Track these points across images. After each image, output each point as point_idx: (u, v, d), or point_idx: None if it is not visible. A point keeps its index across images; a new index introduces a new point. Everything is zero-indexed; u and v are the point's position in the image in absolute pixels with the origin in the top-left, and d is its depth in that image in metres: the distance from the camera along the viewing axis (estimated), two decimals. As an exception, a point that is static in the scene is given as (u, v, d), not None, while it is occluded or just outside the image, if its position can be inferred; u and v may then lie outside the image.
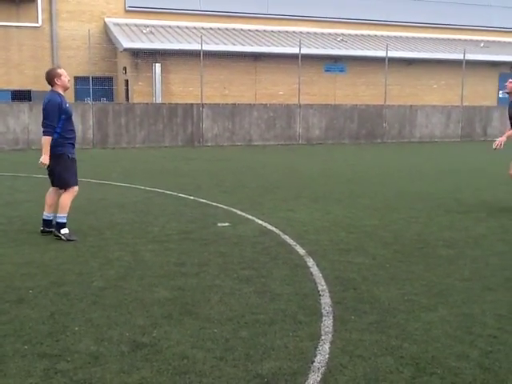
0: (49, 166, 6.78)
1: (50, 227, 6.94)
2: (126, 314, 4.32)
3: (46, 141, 6.63)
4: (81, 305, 4.50)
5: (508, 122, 8.99)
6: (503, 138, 8.42)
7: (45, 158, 6.64)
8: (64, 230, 6.75)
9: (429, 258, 5.96)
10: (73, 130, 6.92)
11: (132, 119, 21.52)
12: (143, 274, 5.31)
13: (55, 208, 6.92)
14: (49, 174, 7.00)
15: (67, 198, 6.85)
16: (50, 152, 6.66)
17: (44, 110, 6.71)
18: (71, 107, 7.08)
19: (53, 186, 7.05)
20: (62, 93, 6.87)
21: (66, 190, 6.88)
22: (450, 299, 4.69)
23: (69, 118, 6.84)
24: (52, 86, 6.88)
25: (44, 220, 7.00)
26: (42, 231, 6.99)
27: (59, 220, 6.77)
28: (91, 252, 6.13)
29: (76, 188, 6.96)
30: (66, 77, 6.89)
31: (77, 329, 4.02)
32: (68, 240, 6.66)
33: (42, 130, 6.75)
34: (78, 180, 7.01)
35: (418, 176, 13.06)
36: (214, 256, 5.99)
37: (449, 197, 9.91)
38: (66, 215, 6.81)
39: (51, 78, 6.82)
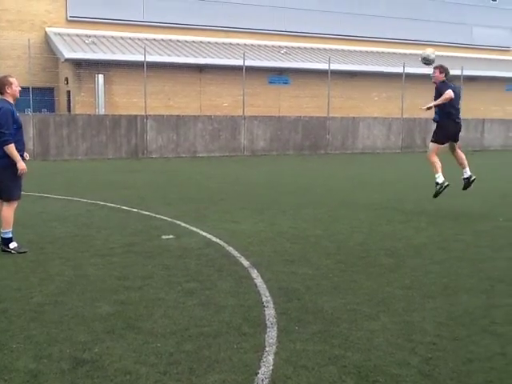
0: None
1: None
2: (66, 330, 4.22)
3: (11, 149, 6.50)
4: (19, 321, 4.37)
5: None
6: (431, 104, 9.27)
7: (21, 165, 6.55)
8: (13, 244, 6.64)
9: (371, 267, 6.06)
10: (22, 141, 6.82)
11: (74, 131, 21.13)
12: (85, 289, 5.21)
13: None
14: None
15: (9, 211, 6.70)
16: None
17: (2, 115, 6.52)
18: (21, 117, 6.96)
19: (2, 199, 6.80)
20: (11, 102, 6.76)
21: (8, 202, 6.71)
22: (391, 307, 4.78)
23: (19, 127, 6.75)
24: (1, 95, 6.76)
25: None
26: None
27: (5, 236, 6.64)
28: (31, 267, 5.97)
29: (18, 202, 6.82)
30: (16, 86, 6.81)
31: (15, 346, 3.90)
32: (19, 253, 6.55)
33: None
34: (20, 194, 6.86)
35: (360, 186, 13.29)
36: (157, 269, 5.93)
37: (390, 206, 10.12)
38: (10, 229, 6.67)
39: (1, 86, 6.72)
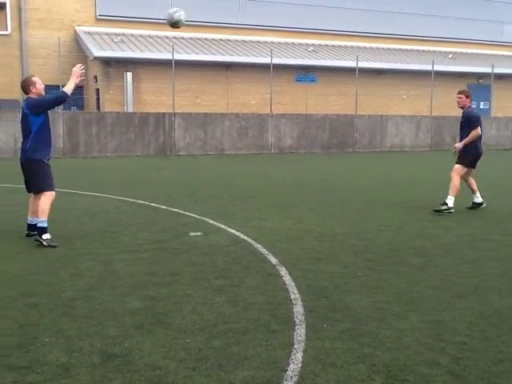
0: (25, 172, 7.10)
1: (35, 230, 7.10)
2: (97, 324, 4.27)
3: (67, 88, 7.27)
4: (51, 315, 4.44)
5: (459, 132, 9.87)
6: (460, 145, 9.46)
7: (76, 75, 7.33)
8: (46, 236, 6.85)
9: (399, 266, 6.01)
10: (50, 140, 7.21)
11: (103, 128, 21.35)
12: (114, 284, 5.26)
13: (37, 212, 7.07)
14: (25, 181, 7.24)
15: (46, 201, 7.00)
16: (27, 157, 7.01)
17: (33, 107, 7.00)
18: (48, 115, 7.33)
19: (32, 192, 7.26)
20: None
21: (45, 193, 7.01)
22: (420, 307, 4.74)
23: (47, 121, 7.19)
24: (27, 94, 7.14)
25: (28, 224, 7.27)
26: (27, 235, 7.23)
27: (40, 224, 6.91)
28: (61, 262, 6.06)
29: (53, 193, 7.11)
30: (40, 84, 7.16)
31: (47, 340, 3.96)
32: (50, 246, 6.74)
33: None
34: (54, 185, 7.15)
35: (388, 185, 13.19)
36: (186, 265, 5.96)
37: (419, 205, 10.03)
38: (46, 219, 6.92)
39: (27, 86, 7.11)
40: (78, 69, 7.27)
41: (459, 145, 9.50)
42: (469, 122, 9.53)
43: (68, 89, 7.18)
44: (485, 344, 3.99)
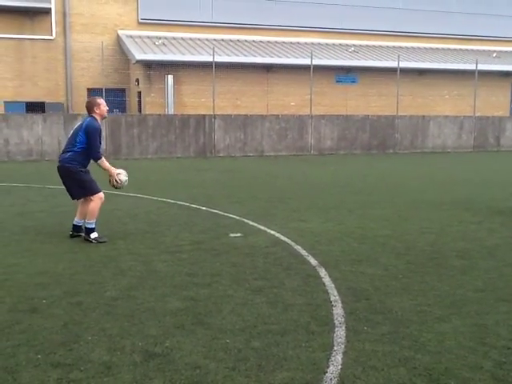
0: (64, 179, 7.30)
1: (79, 231, 7.40)
2: (138, 323, 4.33)
3: (103, 163, 7.24)
4: (94, 314, 4.52)
5: None
6: None
7: (113, 173, 7.38)
8: (93, 235, 7.16)
9: (442, 269, 5.92)
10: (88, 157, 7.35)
11: (144, 130, 21.64)
12: (155, 284, 5.33)
13: (85, 215, 7.34)
14: (67, 188, 7.39)
15: (96, 204, 7.25)
16: (67, 166, 7.17)
17: (85, 133, 7.12)
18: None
19: (76, 198, 7.47)
20: (99, 120, 7.36)
21: (93, 196, 7.25)
22: (463, 310, 4.66)
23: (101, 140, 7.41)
24: (90, 113, 7.34)
25: (74, 225, 7.46)
26: (71, 235, 7.43)
27: (88, 226, 7.20)
28: (104, 262, 6.16)
29: (101, 194, 7.34)
30: (104, 106, 7.39)
31: (90, 338, 4.03)
32: (99, 242, 7.05)
33: (66, 148, 7.32)
34: (98, 187, 7.37)
35: (430, 186, 13.01)
36: (225, 266, 5.99)
37: (462, 207, 9.86)
38: (94, 221, 7.19)
39: (91, 106, 7.32)
40: (117, 183, 7.42)
41: None
42: None
43: (102, 164, 7.25)
44: (530, 349, 3.90)
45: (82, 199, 7.42)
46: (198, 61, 24.01)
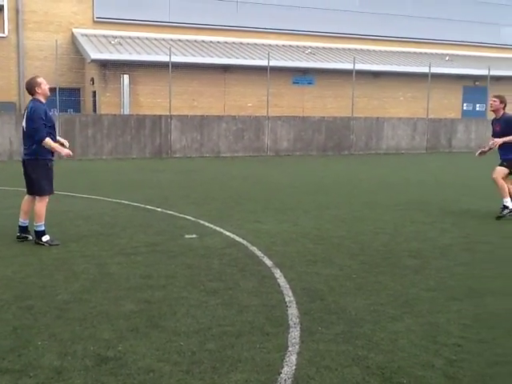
0: (26, 173, 7.08)
1: (26, 233, 7.19)
2: (90, 327, 4.26)
3: (48, 142, 6.85)
4: (44, 319, 4.42)
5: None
6: (500, 141, 9.03)
7: (63, 150, 7.01)
8: (45, 238, 6.95)
9: (395, 269, 6.01)
10: (55, 140, 7.11)
11: (99, 130, 21.33)
12: (109, 287, 5.25)
13: (31, 215, 7.14)
14: (26, 181, 7.20)
15: (42, 205, 7.04)
16: (30, 158, 6.97)
17: (30, 119, 6.88)
18: (53, 116, 7.15)
19: (29, 193, 7.24)
20: (43, 101, 7.05)
21: (40, 197, 7.05)
22: (415, 309, 4.74)
23: (52, 126, 7.07)
24: (33, 95, 7.04)
25: (20, 226, 7.22)
26: (18, 237, 7.20)
27: (37, 229, 6.98)
28: (56, 265, 6.04)
29: (48, 196, 7.15)
30: (45, 85, 7.08)
31: (40, 343, 3.95)
32: (51, 245, 6.87)
33: (27, 140, 7.03)
34: (53, 189, 7.20)
35: (384, 187, 13.20)
36: (181, 268, 5.95)
37: (415, 208, 10.03)
38: (43, 223, 6.99)
39: (32, 87, 7.01)
40: (67, 153, 7.05)
41: (499, 140, 9.07)
42: (510, 125, 9.19)
43: (48, 143, 6.88)
44: (479, 346, 3.99)
45: (26, 197, 7.25)
46: (154, 61, 23.77)
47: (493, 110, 9.47)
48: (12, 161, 18.80)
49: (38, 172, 7.00)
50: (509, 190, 9.30)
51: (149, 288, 5.24)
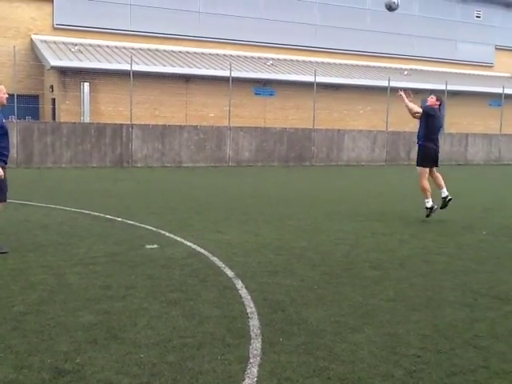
0: None
1: None
2: (48, 339, 4.16)
3: None
4: (0, 331, 4.30)
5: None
6: (406, 101, 10.18)
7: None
8: None
9: (356, 279, 6.06)
10: (7, 148, 6.97)
11: (58, 138, 21.01)
12: (67, 298, 5.15)
13: None
14: None
15: None
16: None
17: None
18: (7, 124, 7.15)
19: None
20: None
21: None
22: (375, 319, 4.78)
23: (5, 134, 6.94)
24: None
25: None
26: None
27: None
28: (12, 275, 5.90)
29: (3, 204, 7.01)
30: (4, 93, 7.02)
31: (-5, 356, 3.84)
32: (0, 253, 6.70)
33: None
34: (6, 197, 7.02)
35: (345, 198, 13.32)
36: (141, 279, 5.88)
37: (375, 219, 10.15)
38: None
39: None
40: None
41: (406, 100, 10.19)
42: (426, 112, 10.03)
43: None
44: (438, 357, 4.04)
45: None
46: (115, 69, 23.58)
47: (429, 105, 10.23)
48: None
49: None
50: (438, 179, 10.15)
51: (108, 299, 5.15)
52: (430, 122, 9.95)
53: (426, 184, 9.96)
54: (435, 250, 7.63)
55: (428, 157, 10.02)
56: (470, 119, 31.50)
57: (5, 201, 7.06)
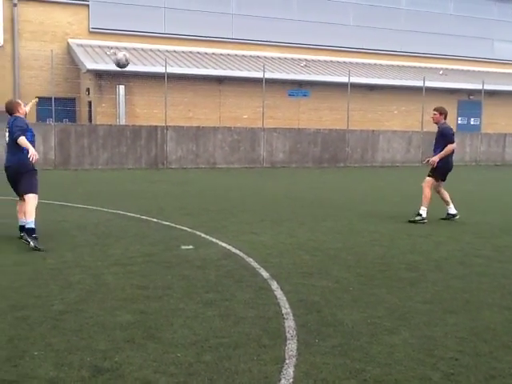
0: (13, 178, 7.71)
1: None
2: (86, 338, 4.23)
3: (22, 140, 7.35)
4: (40, 329, 4.40)
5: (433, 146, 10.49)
6: (436, 158, 9.97)
7: (32, 151, 7.27)
8: (34, 237, 7.32)
9: (391, 281, 6.01)
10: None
11: (95, 141, 21.33)
12: (105, 298, 5.23)
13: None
14: (14, 186, 7.82)
15: (33, 203, 7.55)
16: (19, 165, 7.56)
17: (13, 126, 7.51)
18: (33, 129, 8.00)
19: (19, 194, 7.84)
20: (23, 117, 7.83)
21: (32, 195, 7.59)
22: (412, 322, 4.73)
23: (32, 135, 7.74)
24: (14, 113, 7.76)
25: (21, 226, 7.79)
26: (21, 237, 7.68)
27: (29, 226, 7.38)
28: (51, 275, 6.01)
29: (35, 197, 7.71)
30: (24, 107, 7.92)
31: (36, 353, 3.92)
32: (35, 248, 7.16)
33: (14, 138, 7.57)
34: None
35: (380, 199, 13.22)
36: (177, 279, 5.93)
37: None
38: (33, 220, 7.41)
39: (13, 107, 7.76)
40: (35, 156, 7.34)
41: (435, 158, 9.93)
42: (444, 136, 10.04)
43: (24, 143, 7.37)
44: (476, 360, 3.98)
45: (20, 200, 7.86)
46: (150, 71, 23.85)
47: (435, 122, 10.36)
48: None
49: (29, 176, 7.70)
50: (444, 195, 10.19)
51: (145, 299, 5.22)
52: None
53: (430, 193, 9.97)
54: (472, 252, 7.52)
55: (447, 172, 10.17)
56: (508, 119, 30.95)
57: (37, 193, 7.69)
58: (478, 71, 33.19)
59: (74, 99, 25.81)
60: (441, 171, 10.06)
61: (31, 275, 6.00)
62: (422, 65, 32.43)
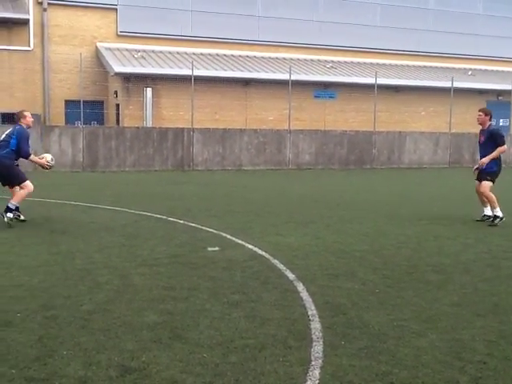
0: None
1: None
2: (114, 338, 4.28)
3: (34, 159, 9.32)
4: (69, 328, 4.46)
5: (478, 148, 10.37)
6: (486, 160, 9.78)
7: (43, 162, 9.38)
8: (10, 215, 8.77)
9: (418, 284, 5.97)
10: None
11: (122, 143, 21.54)
12: (132, 298, 5.28)
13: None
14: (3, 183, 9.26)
15: (25, 190, 9.03)
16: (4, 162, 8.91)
17: (20, 138, 8.92)
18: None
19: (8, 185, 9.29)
20: (26, 128, 9.18)
21: (22, 185, 9.01)
22: (439, 325, 4.69)
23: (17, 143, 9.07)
24: (18, 122, 9.15)
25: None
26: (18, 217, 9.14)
27: (11, 205, 8.82)
28: (80, 275, 6.10)
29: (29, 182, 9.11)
30: (30, 118, 9.15)
31: (65, 353, 3.98)
32: (9, 222, 8.66)
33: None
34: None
35: (407, 201, 13.12)
36: (203, 280, 5.97)
37: (438, 222, 9.96)
38: (17, 203, 8.95)
39: (19, 117, 9.14)
40: (46, 163, 9.35)
41: (485, 160, 9.79)
42: (495, 138, 9.86)
43: (33, 158, 9.30)
44: (505, 363, 3.93)
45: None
46: (176, 74, 24.00)
47: (480, 123, 10.11)
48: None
49: (11, 170, 9.11)
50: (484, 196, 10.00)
51: (171, 299, 5.26)
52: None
53: (493, 195, 9.85)
54: (501, 255, 7.43)
55: (499, 173, 10.03)
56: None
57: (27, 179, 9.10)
58: (507, 71, 32.72)
59: (102, 102, 26.10)
60: (497, 173, 9.95)
61: (60, 275, 6.09)
62: (450, 65, 32.09)
